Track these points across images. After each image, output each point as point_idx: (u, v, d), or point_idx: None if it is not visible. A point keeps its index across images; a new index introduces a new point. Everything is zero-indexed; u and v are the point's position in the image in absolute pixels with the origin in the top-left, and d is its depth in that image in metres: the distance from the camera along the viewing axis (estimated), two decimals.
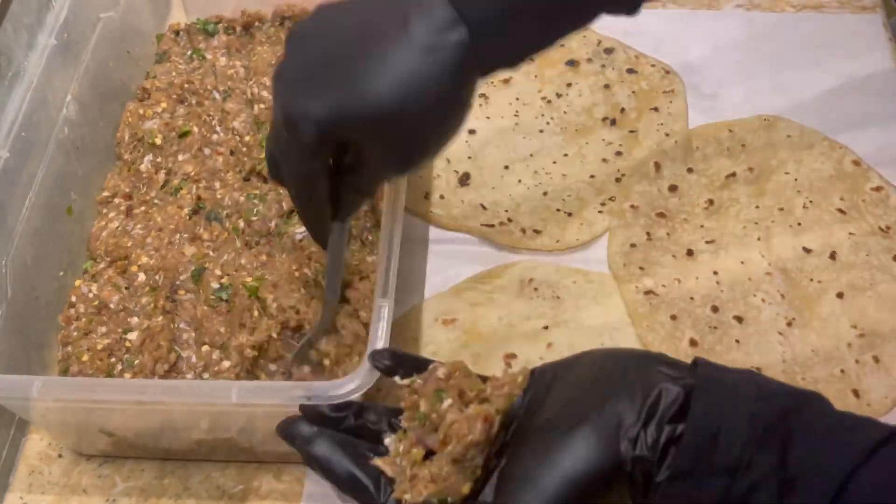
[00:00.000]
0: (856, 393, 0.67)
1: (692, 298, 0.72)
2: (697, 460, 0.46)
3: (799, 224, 0.76)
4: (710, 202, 0.78)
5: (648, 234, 0.76)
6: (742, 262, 0.74)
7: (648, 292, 0.73)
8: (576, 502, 0.48)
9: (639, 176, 0.80)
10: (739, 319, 0.71)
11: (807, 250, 0.74)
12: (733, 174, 0.79)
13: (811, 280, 0.73)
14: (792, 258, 0.74)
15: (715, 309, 0.72)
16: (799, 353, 0.70)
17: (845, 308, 0.71)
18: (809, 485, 0.45)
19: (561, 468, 0.48)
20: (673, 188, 0.79)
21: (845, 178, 0.78)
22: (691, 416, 0.47)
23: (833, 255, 0.74)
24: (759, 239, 0.75)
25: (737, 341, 0.70)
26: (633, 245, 0.76)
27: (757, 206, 0.77)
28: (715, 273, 0.74)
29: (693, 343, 0.70)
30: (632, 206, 0.78)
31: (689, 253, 0.75)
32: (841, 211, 0.76)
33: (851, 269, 0.73)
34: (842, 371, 0.68)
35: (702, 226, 0.77)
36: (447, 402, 0.54)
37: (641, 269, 0.74)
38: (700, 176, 0.80)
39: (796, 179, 0.78)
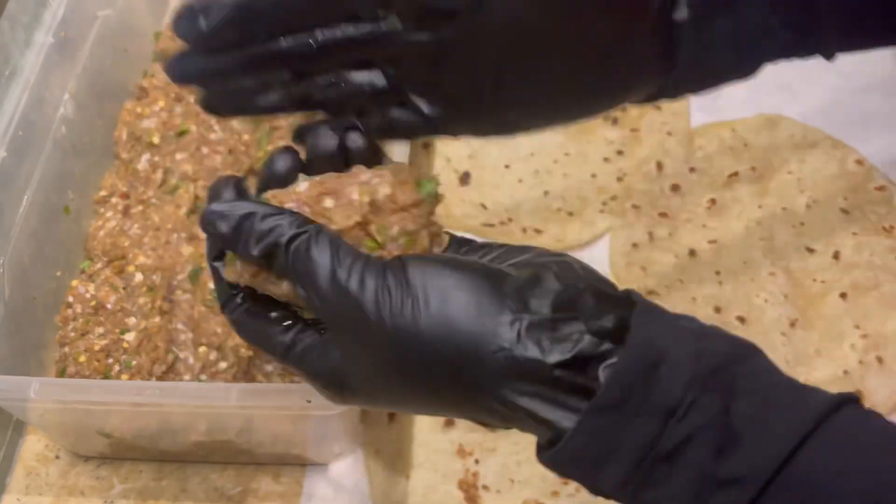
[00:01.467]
0: (860, 394, 0.67)
1: (694, 299, 0.72)
2: (631, 393, 0.38)
3: (802, 224, 0.76)
4: (713, 202, 0.77)
5: (650, 233, 0.76)
6: (744, 262, 0.74)
7: (651, 292, 0.72)
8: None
9: (641, 175, 0.79)
10: (742, 320, 0.71)
11: (810, 250, 0.74)
12: (736, 174, 0.79)
13: (814, 280, 0.73)
14: (795, 258, 0.74)
15: (717, 310, 0.71)
16: (802, 354, 0.69)
17: (848, 308, 0.71)
18: (752, 449, 0.38)
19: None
20: (675, 187, 0.78)
21: (849, 177, 0.78)
22: (631, 338, 0.39)
23: (836, 255, 0.73)
24: (761, 239, 0.75)
25: None
26: (634, 245, 0.75)
27: (760, 206, 0.77)
28: (717, 273, 0.73)
29: None
30: (633, 206, 0.77)
31: (692, 253, 0.75)
32: (844, 210, 0.76)
33: (855, 269, 0.73)
34: (845, 372, 0.68)
35: (704, 225, 0.76)
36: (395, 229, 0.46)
37: (643, 269, 0.74)
38: (702, 175, 0.79)
39: (799, 179, 0.78)
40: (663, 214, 0.77)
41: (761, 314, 0.71)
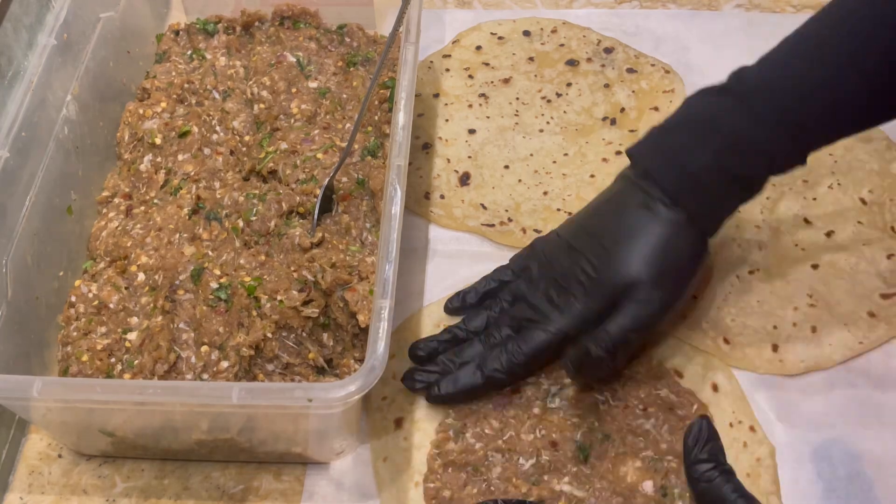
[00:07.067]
0: (774, 347, 0.69)
1: None
2: None
3: (814, 199, 0.77)
4: None
5: None
6: (739, 211, 0.75)
7: None
8: None
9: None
10: None
11: (807, 221, 0.76)
12: None
13: (796, 245, 0.74)
14: (788, 222, 0.76)
15: None
16: (743, 299, 0.72)
17: (813, 278, 0.72)
18: None
19: None
20: None
21: (886, 176, 0.78)
22: None
23: (830, 234, 0.75)
24: (767, 198, 0.77)
25: None
26: None
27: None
28: None
29: None
30: None
31: None
32: (863, 201, 0.77)
33: (841, 251, 0.74)
34: (774, 327, 0.70)
35: None
36: None
37: None
38: None
39: (836, 162, 0.79)
40: None
41: (729, 254, 0.74)
